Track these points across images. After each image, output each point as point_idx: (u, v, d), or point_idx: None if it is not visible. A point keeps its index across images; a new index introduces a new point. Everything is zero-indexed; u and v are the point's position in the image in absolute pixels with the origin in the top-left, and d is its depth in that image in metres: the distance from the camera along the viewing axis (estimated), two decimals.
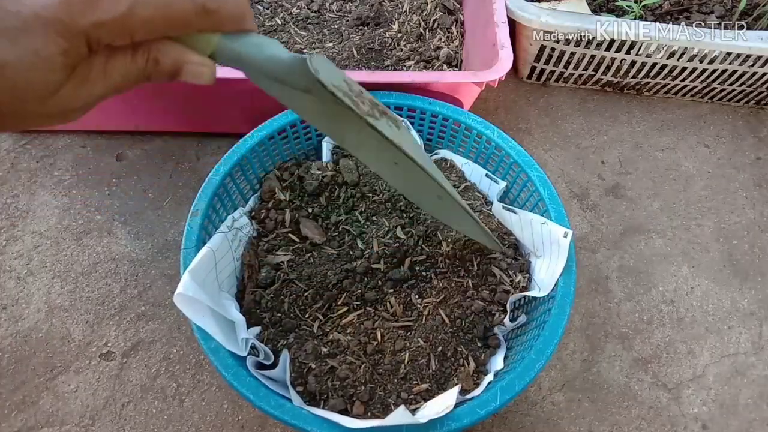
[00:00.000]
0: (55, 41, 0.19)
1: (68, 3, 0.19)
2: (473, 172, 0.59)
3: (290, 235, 0.54)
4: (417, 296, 0.50)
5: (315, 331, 0.48)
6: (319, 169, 0.57)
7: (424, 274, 0.52)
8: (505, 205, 0.53)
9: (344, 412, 0.43)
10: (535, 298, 0.50)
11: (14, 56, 0.18)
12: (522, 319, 0.50)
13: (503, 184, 0.56)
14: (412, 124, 0.60)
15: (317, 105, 0.30)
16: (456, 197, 0.40)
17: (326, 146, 0.59)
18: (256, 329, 0.48)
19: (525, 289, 0.51)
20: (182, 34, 0.24)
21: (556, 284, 0.47)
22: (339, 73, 0.29)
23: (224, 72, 0.59)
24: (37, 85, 0.19)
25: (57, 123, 0.23)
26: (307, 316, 0.49)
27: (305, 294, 0.50)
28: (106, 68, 0.22)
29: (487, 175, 0.58)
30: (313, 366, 0.46)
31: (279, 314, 0.49)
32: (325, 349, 0.47)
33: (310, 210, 0.55)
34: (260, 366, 0.46)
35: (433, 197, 0.42)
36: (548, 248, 0.49)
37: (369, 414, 0.44)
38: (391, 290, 0.51)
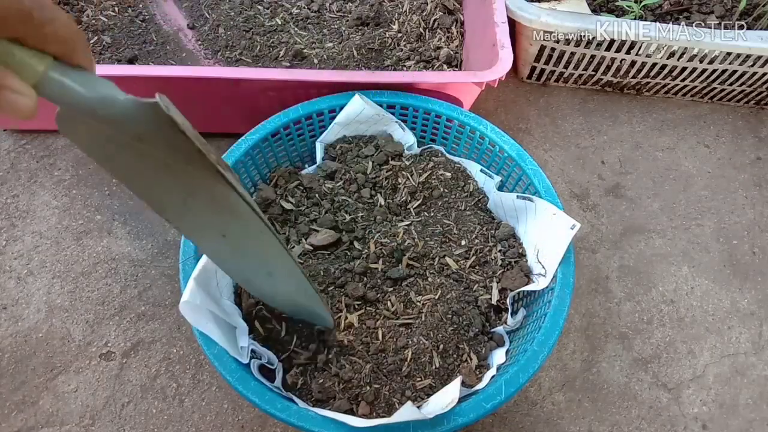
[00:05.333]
0: None
1: None
2: (468, 168, 0.60)
3: (288, 238, 0.54)
4: (416, 294, 0.50)
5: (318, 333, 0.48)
6: (316, 173, 0.57)
7: (421, 272, 0.52)
8: (520, 194, 0.53)
9: (350, 412, 0.43)
10: (533, 291, 0.50)
11: None
12: (522, 312, 0.50)
13: (498, 178, 0.57)
14: (405, 122, 0.60)
15: (146, 158, 0.27)
16: (291, 265, 0.37)
17: (320, 146, 0.59)
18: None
19: (523, 283, 0.51)
20: (5, 36, 0.22)
21: (554, 276, 0.47)
22: (186, 120, 0.27)
23: (224, 72, 0.59)
24: None
25: None
26: None
27: None
28: None
29: (482, 170, 0.58)
30: (318, 368, 0.46)
31: (280, 317, 0.49)
32: (328, 351, 0.47)
33: (307, 214, 0.55)
34: (264, 368, 0.46)
35: (263, 272, 0.39)
36: (550, 240, 0.49)
37: (374, 414, 0.44)
38: (391, 289, 0.51)
